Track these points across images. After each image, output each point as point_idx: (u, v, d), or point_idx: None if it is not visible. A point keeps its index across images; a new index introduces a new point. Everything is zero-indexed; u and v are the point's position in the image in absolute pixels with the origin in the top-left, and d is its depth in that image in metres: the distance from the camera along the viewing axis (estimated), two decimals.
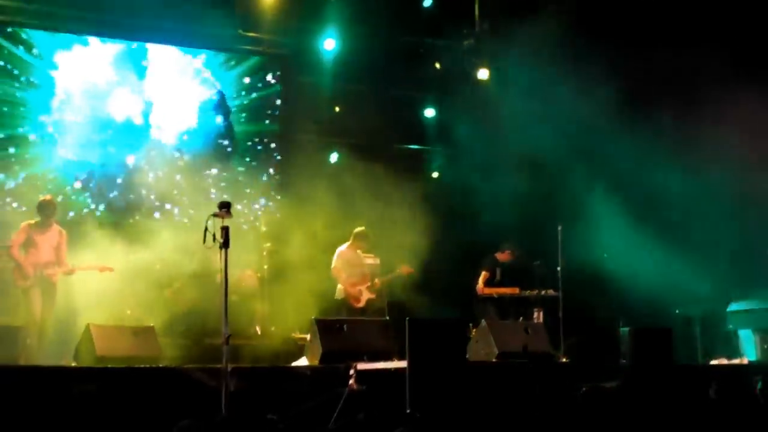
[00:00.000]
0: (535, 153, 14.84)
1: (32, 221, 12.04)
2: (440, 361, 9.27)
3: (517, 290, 13.82)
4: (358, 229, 13.51)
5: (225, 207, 8.77)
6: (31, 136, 14.31)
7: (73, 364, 10.01)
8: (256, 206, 15.48)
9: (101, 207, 14.57)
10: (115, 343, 10.09)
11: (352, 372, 9.35)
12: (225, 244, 8.62)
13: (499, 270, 14.28)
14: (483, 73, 15.61)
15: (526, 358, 10.73)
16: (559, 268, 13.22)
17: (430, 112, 16.50)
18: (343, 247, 13.44)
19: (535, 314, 13.10)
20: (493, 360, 10.76)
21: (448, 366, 9.28)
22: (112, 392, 8.62)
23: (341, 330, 10.40)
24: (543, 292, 13.65)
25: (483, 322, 11.46)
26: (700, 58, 13.39)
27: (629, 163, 14.51)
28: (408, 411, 8.01)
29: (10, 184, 14.05)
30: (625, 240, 14.38)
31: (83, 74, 14.69)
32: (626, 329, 11.37)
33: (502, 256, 14.33)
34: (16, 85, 14.24)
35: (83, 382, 8.67)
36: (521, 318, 13.32)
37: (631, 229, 14.35)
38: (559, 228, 12.83)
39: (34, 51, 14.36)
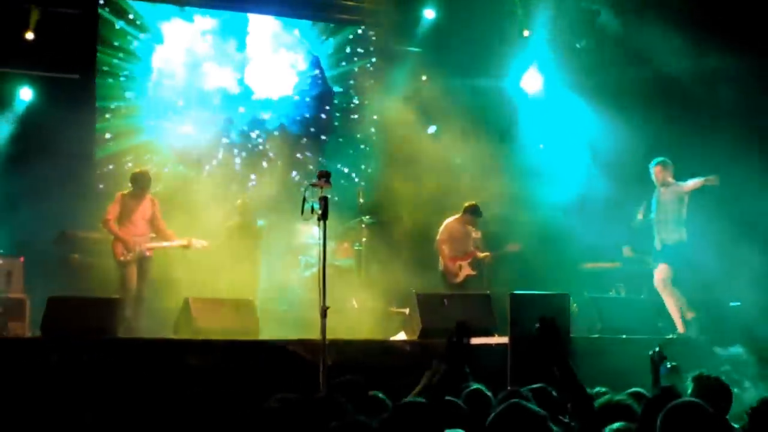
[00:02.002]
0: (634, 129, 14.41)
1: (125, 192, 11.92)
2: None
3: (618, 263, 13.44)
4: (469, 203, 13.17)
5: (324, 177, 8.58)
6: (133, 107, 14.41)
7: (172, 337, 10.01)
8: (354, 178, 15.35)
9: (200, 177, 14.58)
10: (214, 315, 10.07)
11: None
12: (323, 216, 8.46)
13: None
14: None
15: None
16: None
17: None
18: (450, 220, 13.12)
19: None
20: (595, 335, 10.51)
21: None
22: (210, 364, 8.60)
23: (441, 304, 10.21)
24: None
25: (586, 295, 11.19)
26: None
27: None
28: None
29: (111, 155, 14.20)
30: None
31: (183, 45, 14.74)
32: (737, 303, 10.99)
33: None
34: (119, 56, 14.32)
35: (184, 355, 8.67)
36: None
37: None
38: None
39: (136, 23, 14.43)
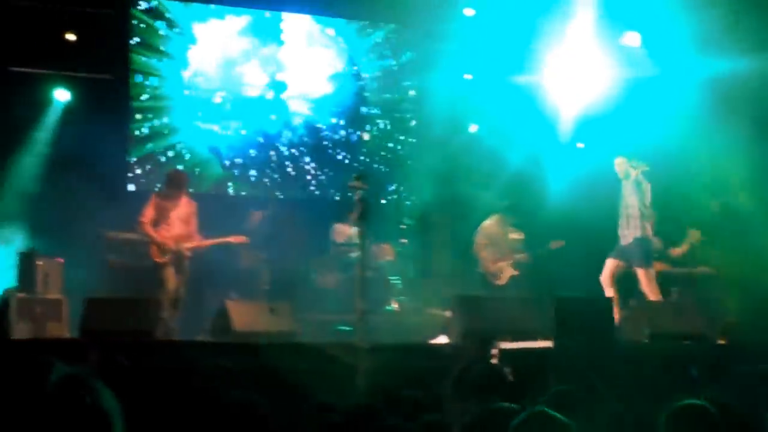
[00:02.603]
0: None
1: (161, 193, 11.83)
2: (588, 340, 8.86)
3: (667, 266, 13.14)
4: (504, 202, 12.98)
5: (362, 178, 8.51)
6: (167, 108, 14.33)
7: (210, 339, 9.92)
8: (394, 178, 15.14)
9: (234, 179, 14.48)
10: (252, 318, 9.96)
11: (494, 351, 8.99)
12: (362, 217, 8.38)
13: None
14: (632, 38, 14.72)
15: (681, 339, 10.18)
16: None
17: None
18: (487, 222, 12.90)
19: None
20: (645, 340, 10.24)
21: (596, 346, 8.85)
22: (248, 367, 8.47)
23: (484, 307, 10.02)
24: (696, 269, 12.98)
25: (632, 301, 10.92)
26: None
27: None
28: None
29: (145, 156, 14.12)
30: None
31: (217, 45, 14.63)
32: None
33: None
34: (153, 56, 14.24)
35: (221, 357, 8.55)
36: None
37: None
38: (714, 203, 12.13)
39: (170, 22, 14.34)
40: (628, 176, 11.50)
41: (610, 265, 11.50)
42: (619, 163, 11.59)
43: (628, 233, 11.41)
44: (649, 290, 11.27)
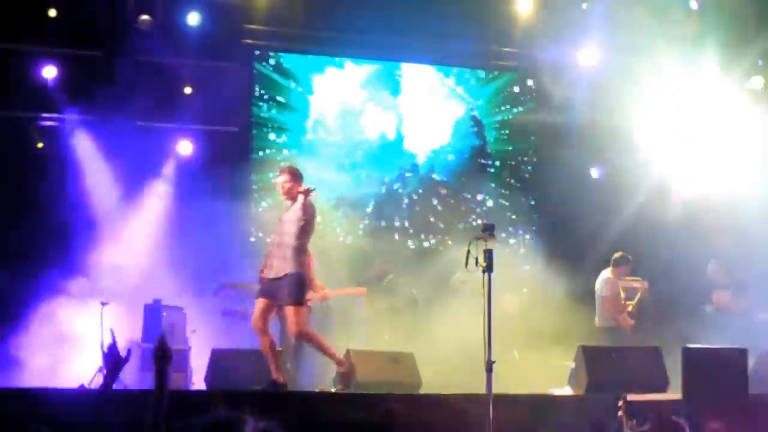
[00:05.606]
0: None
1: None
2: (719, 393, 8.61)
3: None
4: (618, 254, 12.76)
5: (488, 230, 8.56)
6: (288, 159, 14.47)
7: (333, 390, 9.93)
8: (515, 226, 15.04)
9: (354, 230, 14.53)
10: (375, 369, 9.96)
11: (620, 403, 8.81)
12: (488, 268, 8.41)
13: None
14: (757, 82, 14.39)
15: None
16: None
17: None
18: (607, 275, 12.66)
19: None
20: None
21: (728, 399, 8.60)
22: (373, 420, 8.46)
23: (609, 358, 9.85)
24: None
25: (762, 350, 10.60)
26: None
27: None
28: None
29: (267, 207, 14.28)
30: None
31: (337, 96, 14.81)
32: None
33: None
34: (275, 108, 14.49)
35: (346, 409, 8.56)
36: None
37: None
38: None
39: (290, 75, 14.58)
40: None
41: (260, 306, 9.51)
42: (283, 181, 9.70)
43: (279, 266, 9.48)
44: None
